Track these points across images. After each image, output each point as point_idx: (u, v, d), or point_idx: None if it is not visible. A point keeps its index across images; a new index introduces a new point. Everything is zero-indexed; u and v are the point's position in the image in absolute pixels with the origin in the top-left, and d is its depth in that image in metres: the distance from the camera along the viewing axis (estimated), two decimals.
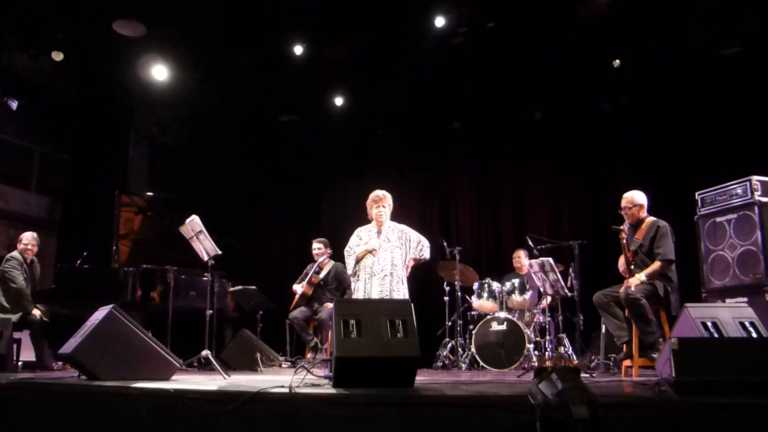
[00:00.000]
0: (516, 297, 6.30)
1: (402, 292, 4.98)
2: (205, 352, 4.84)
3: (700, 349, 2.83)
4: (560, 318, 6.24)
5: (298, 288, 6.62)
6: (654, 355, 4.27)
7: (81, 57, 7.48)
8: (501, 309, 6.28)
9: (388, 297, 4.85)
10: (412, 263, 5.18)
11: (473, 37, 6.90)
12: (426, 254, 5.21)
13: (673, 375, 2.71)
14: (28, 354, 5.67)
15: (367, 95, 8.19)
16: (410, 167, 8.87)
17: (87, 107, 7.97)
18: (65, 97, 8.18)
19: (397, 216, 5.38)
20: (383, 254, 5.02)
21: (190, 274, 6.26)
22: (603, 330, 5.50)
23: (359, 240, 5.20)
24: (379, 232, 5.15)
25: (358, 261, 5.11)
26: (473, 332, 6.11)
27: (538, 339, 6.27)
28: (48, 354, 5.54)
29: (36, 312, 5.66)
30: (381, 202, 5.14)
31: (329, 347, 5.81)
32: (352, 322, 3.20)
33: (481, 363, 5.97)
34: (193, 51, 7.19)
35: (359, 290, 5.06)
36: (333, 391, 2.95)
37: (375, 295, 4.90)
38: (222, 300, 6.65)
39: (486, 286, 6.43)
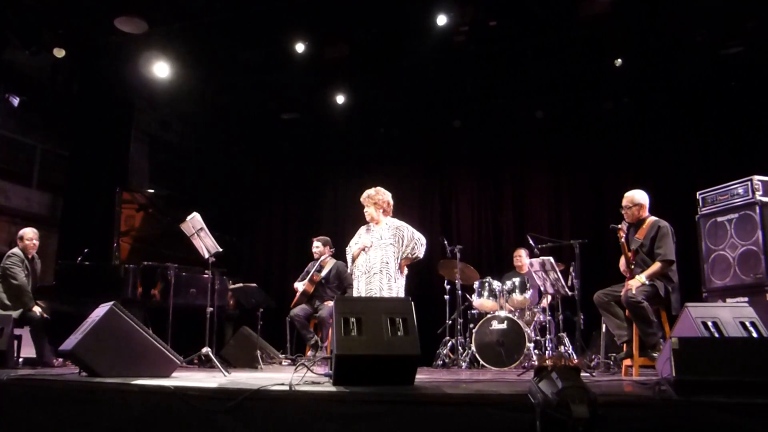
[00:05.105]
0: (516, 296, 6.30)
1: (394, 290, 4.91)
2: (206, 350, 4.85)
3: (701, 348, 2.83)
4: (560, 317, 6.23)
5: (300, 286, 6.61)
6: (654, 355, 4.26)
7: (83, 54, 7.47)
8: (501, 308, 6.28)
9: (377, 295, 4.81)
10: (405, 263, 5.07)
11: (475, 35, 6.88)
12: (418, 253, 5.08)
13: (673, 374, 2.70)
14: (28, 350, 5.66)
15: (368, 93, 8.18)
16: (411, 166, 8.86)
17: (88, 104, 7.96)
18: (67, 93, 8.19)
19: (397, 214, 5.37)
20: (374, 252, 5.00)
21: (190, 271, 6.27)
22: (603, 329, 5.50)
23: (358, 239, 5.21)
24: (368, 230, 5.17)
25: (353, 260, 5.13)
26: (473, 331, 6.10)
27: (538, 338, 6.26)
28: (48, 350, 5.53)
29: (37, 308, 5.65)
30: (364, 201, 5.17)
31: (329, 345, 5.81)
32: (353, 320, 3.20)
33: (481, 362, 5.96)
34: (195, 48, 7.18)
35: (354, 288, 5.08)
36: (333, 389, 2.96)
37: (365, 293, 4.89)
38: (222, 297, 6.65)
39: (486, 284, 6.43)
